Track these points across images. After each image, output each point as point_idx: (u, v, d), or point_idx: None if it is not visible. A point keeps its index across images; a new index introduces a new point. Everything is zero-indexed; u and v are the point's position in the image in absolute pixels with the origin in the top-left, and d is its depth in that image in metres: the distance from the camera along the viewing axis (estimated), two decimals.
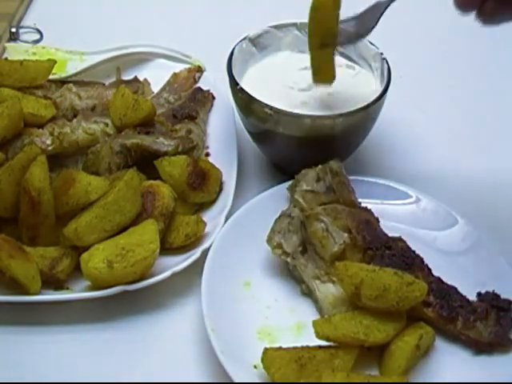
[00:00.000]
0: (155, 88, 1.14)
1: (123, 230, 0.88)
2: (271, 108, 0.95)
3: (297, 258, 0.90)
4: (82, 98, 1.07)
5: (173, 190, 0.94)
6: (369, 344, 0.81)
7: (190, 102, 1.09)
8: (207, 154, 1.05)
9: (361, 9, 0.96)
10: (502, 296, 0.87)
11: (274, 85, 1.01)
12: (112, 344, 0.86)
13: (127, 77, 1.15)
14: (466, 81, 1.26)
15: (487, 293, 0.88)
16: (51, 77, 1.07)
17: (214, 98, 1.12)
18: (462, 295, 0.87)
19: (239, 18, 1.33)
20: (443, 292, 0.86)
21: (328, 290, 0.87)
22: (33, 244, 0.89)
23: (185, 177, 0.96)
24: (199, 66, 1.16)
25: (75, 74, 1.14)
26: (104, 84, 1.12)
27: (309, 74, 1.03)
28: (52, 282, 0.87)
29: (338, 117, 0.94)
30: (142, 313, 0.89)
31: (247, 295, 0.89)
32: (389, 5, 0.91)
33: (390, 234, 0.91)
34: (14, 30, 1.28)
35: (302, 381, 0.78)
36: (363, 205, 0.95)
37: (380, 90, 0.99)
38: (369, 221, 0.91)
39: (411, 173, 1.07)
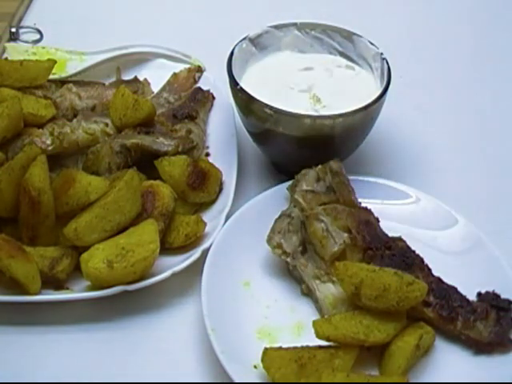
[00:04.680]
0: (155, 88, 1.14)
1: (123, 229, 0.88)
2: (271, 108, 0.94)
3: (297, 258, 0.90)
4: (82, 98, 1.07)
5: (173, 190, 0.94)
6: (369, 344, 0.81)
7: (190, 102, 1.09)
8: (207, 154, 1.05)
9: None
10: (502, 296, 0.87)
11: (274, 85, 1.01)
12: (112, 344, 0.86)
13: (127, 77, 1.15)
14: (467, 80, 1.26)
15: (487, 293, 0.88)
16: (51, 77, 1.07)
17: (213, 97, 1.12)
18: (461, 295, 0.87)
19: (239, 18, 1.33)
20: (443, 292, 0.86)
21: (328, 290, 0.87)
22: (33, 244, 0.89)
23: (185, 177, 0.96)
24: (199, 66, 1.16)
25: (75, 74, 1.14)
26: (104, 84, 1.12)
27: (309, 74, 1.04)
28: (52, 281, 0.87)
29: (337, 117, 0.94)
30: (142, 313, 0.89)
31: (247, 295, 0.89)
32: None
33: (390, 234, 0.91)
34: (14, 29, 1.28)
35: (302, 381, 0.78)
36: (363, 205, 0.95)
37: (380, 90, 0.99)
38: (369, 221, 0.91)
39: (411, 173, 1.07)
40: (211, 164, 1.00)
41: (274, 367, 0.78)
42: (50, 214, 0.88)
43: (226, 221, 0.93)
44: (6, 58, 1.11)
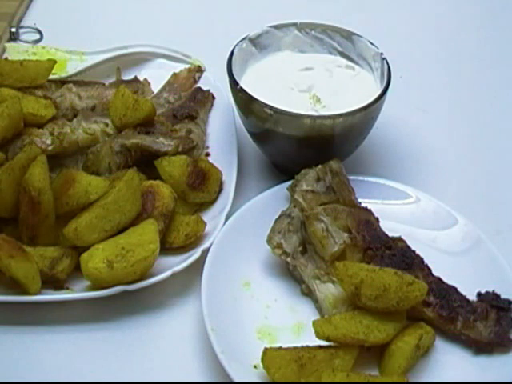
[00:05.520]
0: (155, 88, 1.14)
1: (123, 229, 0.88)
2: (271, 108, 0.94)
3: (297, 258, 0.90)
4: (82, 98, 1.07)
5: (173, 190, 0.94)
6: (369, 344, 0.81)
7: (190, 101, 1.09)
8: (207, 154, 1.05)
9: None
10: (502, 296, 0.87)
11: (274, 85, 1.01)
12: (112, 344, 0.86)
13: (127, 77, 1.15)
14: (467, 80, 1.26)
15: (487, 293, 0.88)
16: (51, 77, 1.07)
17: (213, 97, 1.12)
18: (461, 295, 0.87)
19: (239, 18, 1.33)
20: (443, 292, 0.86)
21: (328, 290, 0.87)
22: (33, 244, 0.89)
23: (185, 177, 0.96)
24: (199, 66, 1.16)
25: (75, 74, 1.14)
26: (104, 84, 1.12)
27: (309, 74, 1.04)
28: (52, 281, 0.87)
29: (337, 117, 0.94)
30: (142, 313, 0.89)
31: (247, 295, 0.89)
32: None
33: (390, 234, 0.91)
34: (14, 29, 1.28)
35: (302, 381, 0.78)
36: (363, 205, 0.95)
37: (380, 90, 0.99)
38: (369, 221, 0.91)
39: (411, 173, 1.07)
40: (211, 164, 1.00)
41: (274, 367, 0.78)
42: (50, 214, 0.88)
43: (226, 221, 0.93)
44: (6, 58, 1.11)
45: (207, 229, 0.93)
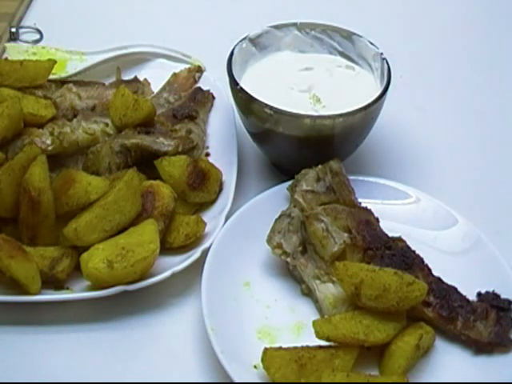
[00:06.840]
0: (155, 88, 1.14)
1: (123, 229, 0.88)
2: (271, 108, 0.94)
3: (297, 257, 0.90)
4: (82, 98, 1.07)
5: (173, 190, 0.94)
6: (369, 344, 0.81)
7: (190, 101, 1.09)
8: (207, 154, 1.05)
9: None
10: (502, 296, 0.87)
11: (274, 85, 1.01)
12: (112, 344, 0.86)
13: (127, 77, 1.15)
14: (467, 80, 1.26)
15: (487, 293, 0.88)
16: (51, 77, 1.07)
17: (213, 97, 1.12)
18: (461, 295, 0.87)
19: (239, 18, 1.33)
20: (443, 292, 0.86)
21: (328, 290, 0.87)
22: (33, 244, 0.89)
23: (185, 177, 0.96)
24: (199, 66, 1.16)
25: (75, 74, 1.14)
26: (104, 84, 1.12)
27: (309, 74, 1.04)
28: (52, 281, 0.87)
29: (337, 117, 0.94)
30: (142, 313, 0.89)
31: (247, 295, 0.89)
32: None
33: (390, 234, 0.91)
34: (14, 29, 1.28)
35: (302, 381, 0.78)
36: (363, 205, 0.95)
37: (380, 90, 0.99)
38: (369, 221, 0.91)
39: (411, 173, 1.07)
40: (211, 164, 1.00)
41: (274, 367, 0.78)
42: (50, 214, 0.88)
43: (226, 221, 0.93)
44: (6, 58, 1.11)
45: (207, 229, 0.93)
